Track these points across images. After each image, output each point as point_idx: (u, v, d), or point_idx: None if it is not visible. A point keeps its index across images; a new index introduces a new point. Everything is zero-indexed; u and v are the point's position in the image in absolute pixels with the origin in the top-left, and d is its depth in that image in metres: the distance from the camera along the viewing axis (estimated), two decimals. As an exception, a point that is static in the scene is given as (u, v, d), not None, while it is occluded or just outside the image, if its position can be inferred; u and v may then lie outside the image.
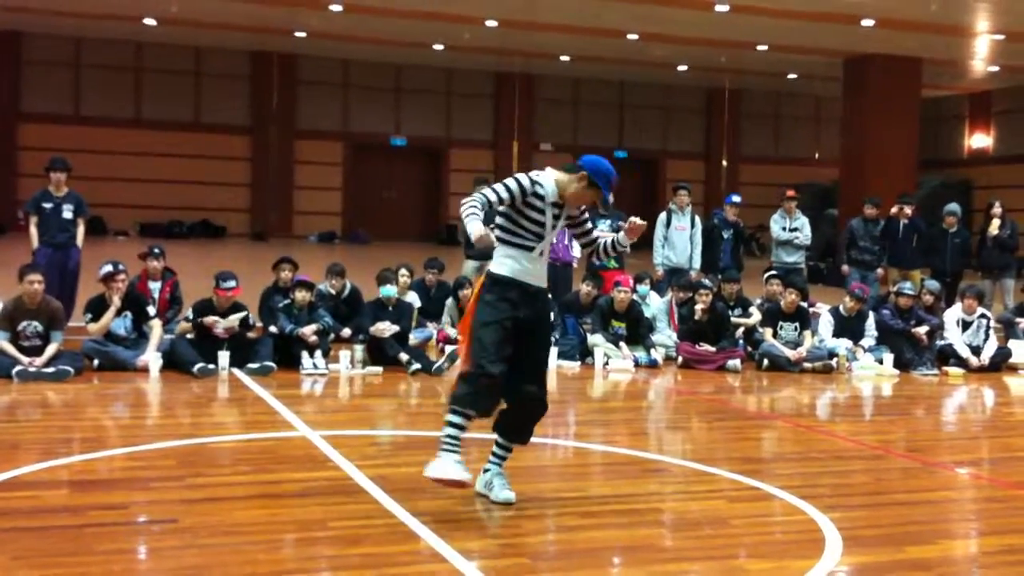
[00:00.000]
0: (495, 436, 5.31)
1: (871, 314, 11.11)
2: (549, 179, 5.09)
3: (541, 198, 5.03)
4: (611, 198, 5.16)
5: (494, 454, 5.33)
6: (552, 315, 10.47)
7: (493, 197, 4.95)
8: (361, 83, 30.19)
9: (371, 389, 8.93)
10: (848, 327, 10.82)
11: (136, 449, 6.22)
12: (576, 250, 12.26)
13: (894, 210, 13.46)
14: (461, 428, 4.99)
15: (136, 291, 9.64)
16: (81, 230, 10.82)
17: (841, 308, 10.99)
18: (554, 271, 11.17)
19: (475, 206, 4.86)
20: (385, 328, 9.72)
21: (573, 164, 5.19)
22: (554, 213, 5.09)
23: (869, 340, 10.83)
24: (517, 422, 5.26)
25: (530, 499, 5.42)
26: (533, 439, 7.14)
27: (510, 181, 5.04)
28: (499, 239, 5.07)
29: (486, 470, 5.30)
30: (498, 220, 5.08)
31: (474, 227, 4.76)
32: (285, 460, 6.14)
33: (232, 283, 9.35)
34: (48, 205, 10.63)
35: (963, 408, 9.53)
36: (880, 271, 13.23)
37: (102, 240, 23.34)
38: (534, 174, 5.11)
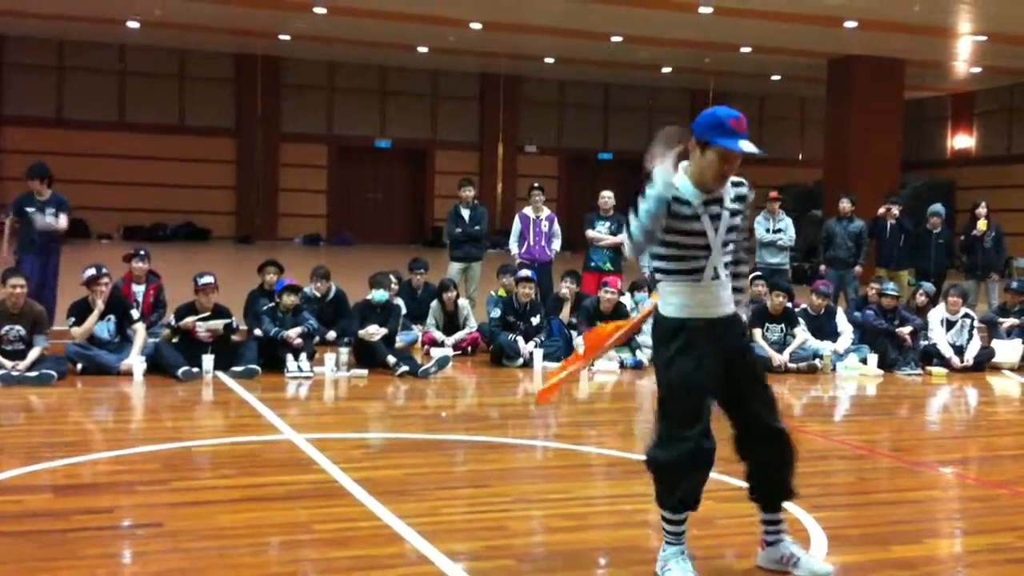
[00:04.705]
0: (758, 510, 4.38)
1: (839, 310, 11.16)
2: (681, 176, 4.04)
3: (686, 202, 4.00)
4: (743, 144, 3.91)
5: (766, 523, 4.36)
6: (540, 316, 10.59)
7: (642, 227, 3.92)
8: (346, 85, 30.15)
9: (356, 392, 8.91)
10: (818, 325, 10.84)
11: (120, 453, 6.19)
12: (556, 245, 12.29)
13: (881, 210, 13.49)
14: (676, 523, 4.16)
15: (120, 294, 9.59)
16: (64, 219, 10.54)
17: (808, 307, 11.03)
18: (535, 271, 11.23)
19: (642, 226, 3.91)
20: (374, 332, 9.69)
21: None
22: (712, 213, 4.03)
23: (846, 340, 10.84)
24: (766, 473, 4.28)
25: (516, 500, 5.43)
26: (521, 440, 7.17)
27: (646, 202, 3.90)
28: (660, 271, 4.12)
29: (769, 543, 4.36)
30: (653, 251, 4.09)
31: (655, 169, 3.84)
32: (270, 463, 6.12)
33: (208, 278, 9.32)
34: (31, 209, 10.55)
35: (947, 408, 9.56)
36: (858, 269, 13.22)
37: (86, 243, 23.22)
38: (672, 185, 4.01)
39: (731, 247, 4.13)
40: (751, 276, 11.94)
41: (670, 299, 4.10)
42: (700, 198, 4.02)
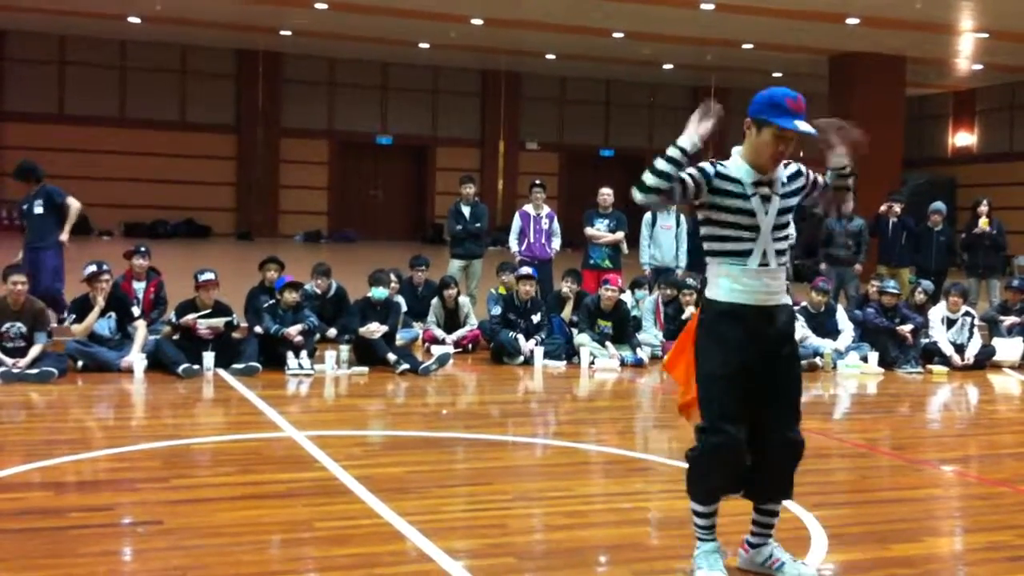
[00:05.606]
0: (753, 505, 4.26)
1: (840, 308, 11.16)
2: (734, 158, 4.05)
3: (735, 180, 3.97)
4: (799, 123, 3.88)
5: (757, 524, 4.25)
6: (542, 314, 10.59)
7: (681, 184, 3.92)
8: (347, 81, 30.14)
9: (357, 389, 8.91)
10: (818, 323, 10.83)
11: (121, 450, 6.19)
12: (556, 244, 12.30)
13: (883, 208, 13.49)
14: (705, 515, 4.13)
15: (120, 291, 9.58)
16: (73, 210, 10.39)
17: (808, 305, 11.01)
18: (535, 269, 11.23)
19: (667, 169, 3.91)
20: (375, 329, 9.70)
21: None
22: (763, 194, 3.97)
23: (846, 338, 10.83)
24: (771, 475, 4.13)
25: (516, 498, 5.43)
26: (521, 438, 7.18)
27: (691, 168, 3.98)
28: (708, 252, 4.08)
29: (753, 545, 4.27)
30: (703, 230, 4.11)
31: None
32: (270, 461, 6.13)
33: (209, 275, 9.32)
34: (25, 206, 10.55)
35: (947, 406, 9.56)
36: (858, 268, 13.20)
37: (86, 240, 23.22)
38: (721, 163, 4.06)
39: (784, 232, 4.03)
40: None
41: (716, 280, 4.03)
42: (752, 177, 3.97)
